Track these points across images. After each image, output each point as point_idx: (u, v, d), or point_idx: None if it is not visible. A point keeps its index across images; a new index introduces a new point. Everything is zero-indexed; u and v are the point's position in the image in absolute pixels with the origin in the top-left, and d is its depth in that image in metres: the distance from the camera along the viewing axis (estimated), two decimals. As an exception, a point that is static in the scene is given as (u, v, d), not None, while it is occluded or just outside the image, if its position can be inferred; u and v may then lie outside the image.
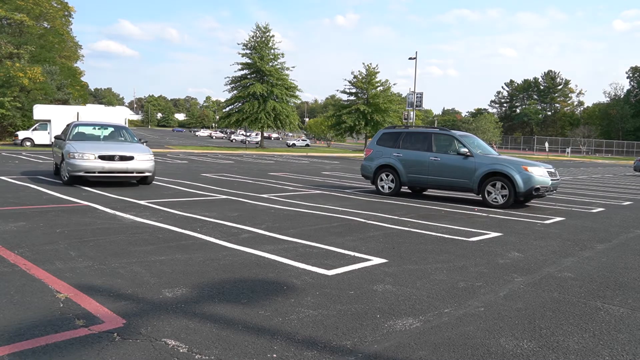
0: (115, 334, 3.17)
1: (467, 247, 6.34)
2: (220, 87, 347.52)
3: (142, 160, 11.31)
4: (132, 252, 5.35)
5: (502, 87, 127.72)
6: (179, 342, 3.10)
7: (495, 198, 10.55)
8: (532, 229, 8.02)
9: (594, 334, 3.57)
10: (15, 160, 19.39)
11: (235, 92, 46.06)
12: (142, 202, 8.96)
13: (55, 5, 51.79)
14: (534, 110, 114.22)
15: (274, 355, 2.98)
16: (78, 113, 34.41)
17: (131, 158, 11.11)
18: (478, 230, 7.58)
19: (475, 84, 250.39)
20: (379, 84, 51.24)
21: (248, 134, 65.74)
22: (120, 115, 35.36)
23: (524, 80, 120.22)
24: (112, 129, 13.27)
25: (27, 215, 7.25)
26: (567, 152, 72.10)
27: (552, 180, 10.71)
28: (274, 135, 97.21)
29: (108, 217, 7.40)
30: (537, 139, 79.17)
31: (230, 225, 7.12)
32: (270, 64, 45.36)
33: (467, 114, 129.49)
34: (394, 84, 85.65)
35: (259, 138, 54.87)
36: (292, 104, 48.73)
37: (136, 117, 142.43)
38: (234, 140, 71.01)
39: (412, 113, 42.64)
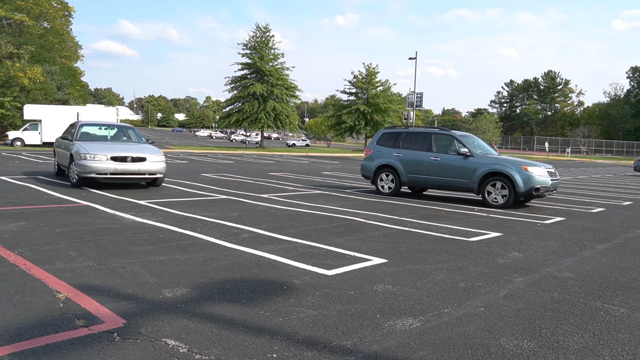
0: (115, 334, 3.17)
1: (467, 247, 6.34)
2: (220, 87, 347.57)
3: (154, 161, 11.01)
4: (132, 252, 5.35)
5: (502, 87, 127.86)
6: (179, 342, 3.10)
7: (495, 198, 10.55)
8: (532, 229, 8.02)
9: (594, 334, 3.57)
10: (15, 160, 19.39)
11: (235, 92, 46.07)
12: (142, 202, 8.96)
13: (55, 5, 51.78)
14: (534, 110, 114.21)
15: (274, 355, 2.98)
16: (78, 113, 34.36)
17: (143, 159, 10.84)
18: (478, 230, 7.58)
19: (475, 84, 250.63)
20: (379, 84, 51.27)
21: (248, 134, 65.72)
22: (111, 115, 35.06)
23: (524, 80, 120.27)
24: (119, 129, 12.98)
25: (27, 215, 7.25)
26: (567, 152, 72.10)
27: (552, 180, 10.71)
28: (274, 135, 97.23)
29: (108, 217, 7.40)
30: (537, 139, 79.18)
31: (231, 225, 7.12)
32: (270, 64, 45.37)
33: (467, 114, 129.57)
34: (394, 84, 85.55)
35: (259, 138, 54.87)
36: (292, 104, 48.75)
37: (136, 117, 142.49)
38: (234, 140, 71.02)
39: (412, 113, 42.65)
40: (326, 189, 13.20)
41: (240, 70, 45.69)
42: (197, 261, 5.08)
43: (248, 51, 45.51)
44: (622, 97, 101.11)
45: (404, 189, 12.60)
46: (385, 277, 4.77)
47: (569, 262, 5.76)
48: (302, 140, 69.81)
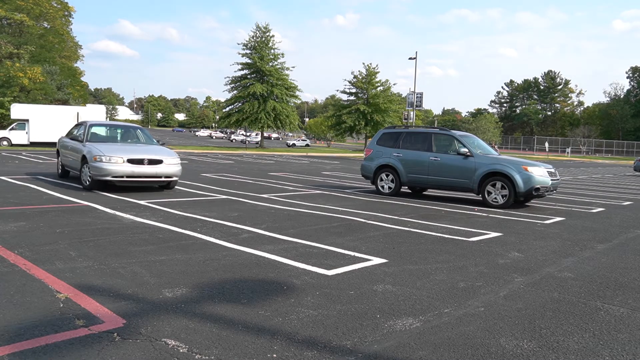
0: (115, 334, 3.17)
1: (467, 247, 6.34)
2: (220, 87, 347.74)
3: (171, 164, 10.69)
4: (132, 252, 5.35)
5: (502, 87, 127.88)
6: (179, 342, 3.10)
7: (495, 198, 10.56)
8: (532, 229, 8.02)
9: (594, 334, 3.57)
10: (15, 160, 19.39)
11: (235, 92, 46.07)
12: (142, 202, 8.96)
13: (55, 5, 51.82)
14: (534, 110, 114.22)
15: (274, 355, 2.98)
16: (78, 113, 34.30)
17: (160, 162, 10.51)
18: (478, 230, 7.58)
19: (475, 84, 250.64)
20: (379, 84, 51.28)
21: (248, 134, 65.75)
22: (100, 114, 34.77)
23: (524, 80, 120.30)
24: (129, 130, 12.66)
25: (27, 215, 7.25)
26: (567, 152, 72.11)
27: (552, 180, 10.71)
28: (274, 135, 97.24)
29: (108, 217, 7.40)
30: (537, 139, 79.19)
31: (230, 225, 7.12)
32: (270, 64, 45.37)
33: (467, 114, 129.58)
34: (394, 84, 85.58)
35: (259, 138, 54.86)
36: (292, 104, 48.74)
37: (136, 117, 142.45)
38: (234, 140, 71.02)
39: (412, 113, 42.65)
40: (326, 189, 13.21)
41: (240, 70, 45.71)
42: (197, 261, 5.08)
43: (248, 51, 45.52)
44: (622, 97, 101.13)
45: (404, 189, 12.60)
46: (385, 277, 4.77)
47: (569, 262, 5.76)
48: (302, 140, 69.81)
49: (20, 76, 37.47)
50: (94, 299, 3.80)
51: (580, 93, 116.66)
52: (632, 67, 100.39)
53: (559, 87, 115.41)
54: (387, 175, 12.15)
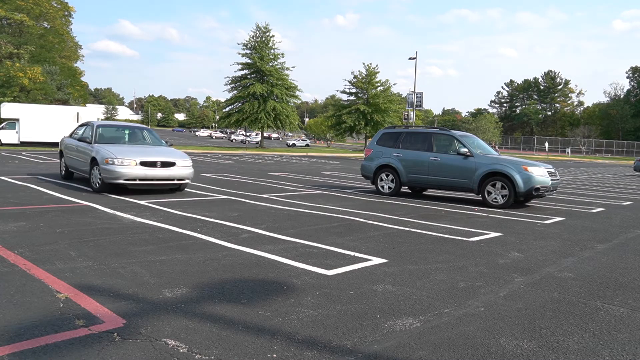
0: (115, 334, 3.17)
1: (467, 247, 6.34)
2: (220, 87, 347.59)
3: (183, 166, 10.44)
4: (132, 252, 5.35)
5: (502, 87, 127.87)
6: (179, 342, 3.10)
7: (495, 198, 10.56)
8: (532, 229, 8.02)
9: (594, 334, 3.57)
10: (15, 160, 19.39)
11: (235, 92, 46.07)
12: (142, 202, 8.96)
13: (55, 5, 51.83)
14: (534, 110, 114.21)
15: (274, 355, 2.98)
16: (78, 113, 34.24)
17: (173, 164, 10.25)
18: (478, 230, 7.58)
19: (475, 84, 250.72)
20: (379, 84, 51.29)
21: (248, 134, 65.76)
22: (92, 115, 34.38)
23: (524, 80, 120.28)
24: (136, 131, 12.38)
25: (27, 215, 7.25)
26: (567, 152, 72.11)
27: (552, 180, 10.71)
28: (274, 135, 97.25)
29: (108, 217, 7.40)
30: (537, 139, 79.19)
31: (230, 225, 7.12)
32: (270, 64, 45.37)
33: (467, 114, 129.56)
34: (394, 84, 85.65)
35: (259, 138, 54.87)
36: (292, 104, 48.75)
37: (136, 117, 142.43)
38: (234, 140, 71.03)
39: (412, 113, 42.65)
40: (326, 189, 13.21)
41: (240, 70, 45.71)
42: (197, 261, 5.08)
43: (248, 51, 45.52)
44: (622, 97, 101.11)
45: (404, 189, 12.60)
46: (385, 277, 4.77)
47: (569, 262, 5.76)
48: (302, 140, 69.82)
49: (20, 76, 37.50)
50: (94, 299, 3.80)
51: (580, 93, 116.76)
52: (632, 67, 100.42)
53: (559, 87, 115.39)
54: (387, 175, 12.15)
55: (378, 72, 51.22)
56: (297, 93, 47.83)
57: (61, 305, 3.65)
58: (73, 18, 58.25)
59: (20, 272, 4.43)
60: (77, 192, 10.02)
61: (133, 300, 3.84)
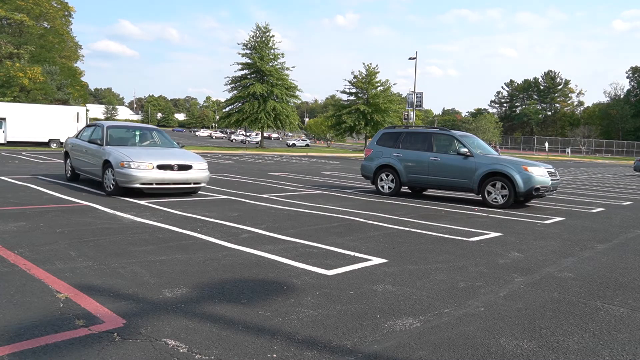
0: (115, 334, 3.17)
1: (467, 247, 6.34)
2: (220, 87, 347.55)
3: (200, 169, 10.18)
4: (132, 252, 5.35)
5: (502, 87, 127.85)
6: (179, 342, 3.10)
7: (495, 198, 10.56)
8: (532, 229, 8.02)
9: (594, 334, 3.57)
10: (15, 160, 19.39)
11: (235, 92, 46.09)
12: (142, 202, 8.96)
13: (55, 5, 51.83)
14: (534, 110, 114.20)
15: (274, 355, 2.98)
16: (78, 113, 34.17)
17: (190, 167, 9.98)
18: (478, 230, 7.58)
19: (475, 84, 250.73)
20: (379, 84, 51.31)
21: (248, 134, 65.77)
22: (82, 114, 33.96)
23: (524, 80, 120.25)
24: (147, 132, 12.02)
25: (27, 215, 7.25)
26: (567, 152, 72.12)
27: (552, 180, 10.71)
28: (274, 135, 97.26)
29: (108, 217, 7.40)
30: (537, 139, 79.20)
31: (230, 225, 7.12)
32: (270, 64, 45.38)
33: (467, 114, 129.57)
34: (394, 84, 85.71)
35: (259, 138, 54.87)
36: (292, 104, 48.77)
37: (136, 117, 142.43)
38: (234, 140, 71.04)
39: (412, 113, 42.66)
40: (326, 189, 13.21)
41: (240, 70, 45.73)
42: (197, 261, 5.08)
43: (248, 51, 45.53)
44: (622, 97, 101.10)
45: (404, 189, 12.60)
46: (385, 277, 4.77)
47: (569, 262, 5.76)
48: (302, 140, 69.83)
49: (20, 76, 37.50)
50: (94, 299, 3.80)
51: (580, 93, 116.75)
52: (632, 67, 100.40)
53: (559, 87, 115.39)
54: (387, 175, 12.15)
55: (378, 72, 51.29)
56: (297, 93, 47.90)
57: (61, 305, 3.65)
58: (73, 18, 58.29)
59: (20, 272, 4.43)
60: (77, 192, 10.01)
61: (133, 300, 3.84)
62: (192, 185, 10.23)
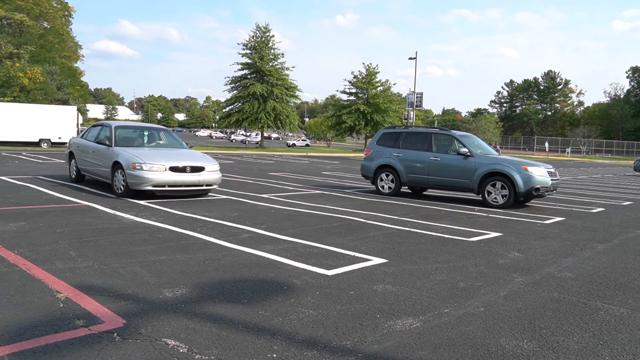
0: (115, 334, 3.17)
1: (467, 247, 6.34)
2: (220, 87, 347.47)
3: (212, 171, 9.99)
4: (132, 252, 5.35)
5: (502, 87, 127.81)
6: (179, 342, 3.10)
7: (495, 198, 10.56)
8: (532, 229, 8.02)
9: (594, 334, 3.57)
10: (15, 160, 19.39)
11: (235, 92, 46.10)
12: (142, 202, 8.96)
13: (55, 5, 51.84)
14: (534, 110, 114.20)
15: (274, 355, 2.98)
16: (78, 113, 34.11)
17: (202, 169, 9.79)
18: (478, 230, 7.58)
19: (475, 84, 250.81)
20: (379, 84, 51.31)
21: (248, 134, 65.79)
22: (69, 115, 33.15)
23: (524, 80, 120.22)
24: (155, 132, 11.75)
25: (27, 215, 7.25)
26: (567, 152, 72.12)
27: (552, 180, 10.71)
28: (274, 135, 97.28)
29: (108, 217, 7.40)
30: (537, 139, 79.21)
31: (230, 225, 7.12)
32: (270, 64, 45.39)
33: (467, 114, 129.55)
34: (394, 84, 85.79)
35: (259, 138, 54.88)
36: (292, 104, 48.79)
37: (136, 117, 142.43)
38: (234, 140, 71.05)
39: (412, 113, 42.66)
40: (326, 189, 13.21)
41: (240, 70, 45.74)
42: (197, 261, 5.08)
43: (248, 51, 45.54)
44: (622, 97, 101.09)
45: (404, 189, 12.60)
46: (385, 277, 4.77)
47: (569, 262, 5.76)
48: (302, 140, 69.84)
49: (20, 76, 37.50)
50: (94, 299, 3.80)
51: (580, 93, 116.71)
52: (632, 67, 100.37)
53: (559, 87, 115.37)
54: (387, 175, 12.15)
55: (378, 72, 51.29)
56: (297, 93, 47.90)
57: (61, 305, 3.65)
58: (73, 18, 58.28)
59: (20, 272, 4.43)
60: (77, 192, 10.02)
61: (133, 300, 3.84)
62: (204, 188, 10.06)
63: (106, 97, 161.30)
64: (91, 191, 10.24)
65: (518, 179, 10.27)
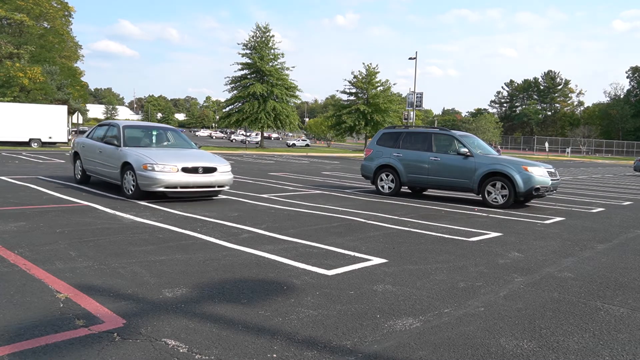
0: (115, 334, 3.17)
1: (467, 247, 6.34)
2: (220, 87, 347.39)
3: (224, 172, 9.77)
4: (132, 252, 5.35)
5: (502, 87, 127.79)
6: (179, 342, 3.10)
7: (495, 198, 10.55)
8: (532, 229, 8.02)
9: (594, 334, 3.57)
10: (15, 160, 19.39)
11: (235, 92, 46.13)
12: (142, 202, 8.96)
13: (55, 5, 51.83)
14: (534, 110, 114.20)
15: (274, 355, 2.98)
16: (78, 113, 34.08)
17: (214, 170, 9.58)
18: (478, 230, 7.58)
19: (475, 84, 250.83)
20: (379, 84, 51.33)
21: (248, 134, 65.79)
22: (59, 114, 32.80)
23: (524, 80, 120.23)
24: (164, 132, 11.50)
25: (27, 215, 7.25)
26: (567, 152, 72.13)
27: (552, 180, 10.71)
28: (274, 135, 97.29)
29: (108, 217, 7.40)
30: (537, 139, 79.22)
31: (230, 225, 7.12)
32: (270, 64, 45.42)
33: (467, 114, 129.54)
34: (394, 84, 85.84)
35: (259, 138, 54.89)
36: (292, 104, 48.82)
37: (136, 117, 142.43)
38: (234, 140, 71.06)
39: (412, 113, 42.67)
40: (326, 189, 13.21)
41: (240, 70, 45.78)
42: (197, 261, 5.08)
43: (248, 51, 45.56)
44: (622, 97, 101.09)
45: (404, 189, 12.60)
46: (385, 277, 4.77)
47: (569, 262, 5.76)
48: (302, 140, 69.85)
49: (20, 76, 37.49)
50: (94, 299, 3.80)
51: (580, 93, 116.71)
52: (632, 67, 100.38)
53: (559, 87, 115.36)
54: (387, 175, 12.15)
55: (378, 72, 51.32)
56: (297, 93, 47.95)
57: (61, 305, 3.65)
58: (73, 18, 58.29)
59: (20, 272, 4.43)
60: (77, 192, 10.02)
61: (133, 300, 3.84)
62: (216, 189, 9.86)
63: (106, 97, 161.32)
64: (91, 191, 10.24)
65: (518, 179, 10.27)
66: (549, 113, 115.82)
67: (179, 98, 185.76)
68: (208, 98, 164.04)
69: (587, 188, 17.25)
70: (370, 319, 3.66)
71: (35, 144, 31.59)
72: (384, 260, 5.41)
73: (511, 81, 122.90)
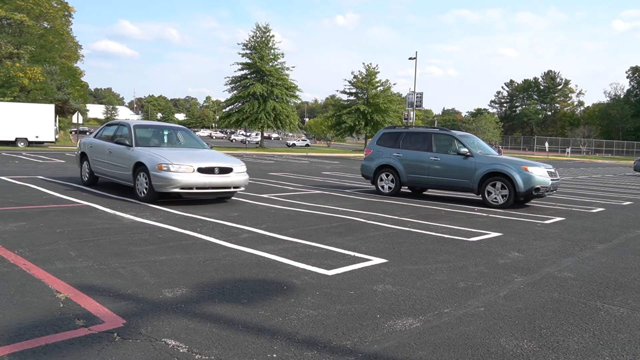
0: (115, 334, 3.17)
1: (467, 247, 6.34)
2: (220, 87, 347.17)
3: (240, 172, 9.52)
4: (132, 252, 5.35)
5: (502, 87, 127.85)
6: (179, 342, 3.10)
7: (495, 198, 10.56)
8: (532, 229, 8.02)
9: (594, 334, 3.57)
10: (15, 160, 19.39)
11: (235, 92, 46.15)
12: (142, 202, 8.96)
13: (55, 5, 51.80)
14: (534, 110, 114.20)
15: (274, 355, 2.98)
16: (78, 113, 34.05)
17: (230, 170, 9.31)
18: (478, 230, 7.58)
19: (475, 84, 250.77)
20: (379, 84, 51.36)
21: (248, 134, 65.81)
22: (46, 113, 32.38)
23: (524, 80, 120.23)
24: (175, 132, 11.27)
25: (27, 215, 7.25)
26: (567, 152, 72.14)
27: (552, 180, 10.71)
28: (274, 135, 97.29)
29: (108, 217, 7.40)
30: (537, 139, 79.24)
31: (230, 225, 7.12)
32: (270, 64, 45.44)
33: (467, 114, 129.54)
34: (394, 84, 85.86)
35: (259, 138, 54.89)
36: (292, 104, 48.84)
37: (136, 117, 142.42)
38: (234, 140, 71.08)
39: (412, 113, 42.68)
40: (326, 189, 13.21)
41: (240, 70, 45.80)
42: (197, 261, 5.08)
43: (248, 51, 45.58)
44: (622, 97, 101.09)
45: (404, 189, 12.60)
46: (385, 277, 4.77)
47: (569, 262, 5.76)
48: (302, 140, 69.86)
49: (20, 76, 37.45)
50: (94, 299, 3.80)
51: (580, 93, 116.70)
52: (632, 67, 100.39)
53: (559, 87, 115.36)
54: (387, 175, 12.15)
55: (378, 72, 51.35)
56: (297, 93, 47.98)
57: (61, 305, 3.65)
58: (73, 18, 58.22)
59: (20, 272, 4.43)
60: (77, 192, 10.02)
61: (133, 300, 3.84)
62: (232, 190, 9.60)
63: (106, 97, 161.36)
64: (91, 191, 10.24)
65: (518, 179, 10.27)
66: (549, 113, 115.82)
67: (179, 98, 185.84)
68: (208, 98, 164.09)
69: (587, 188, 17.25)
70: (370, 319, 3.66)
71: (22, 144, 31.21)
72: (384, 260, 5.41)
73: (511, 81, 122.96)
